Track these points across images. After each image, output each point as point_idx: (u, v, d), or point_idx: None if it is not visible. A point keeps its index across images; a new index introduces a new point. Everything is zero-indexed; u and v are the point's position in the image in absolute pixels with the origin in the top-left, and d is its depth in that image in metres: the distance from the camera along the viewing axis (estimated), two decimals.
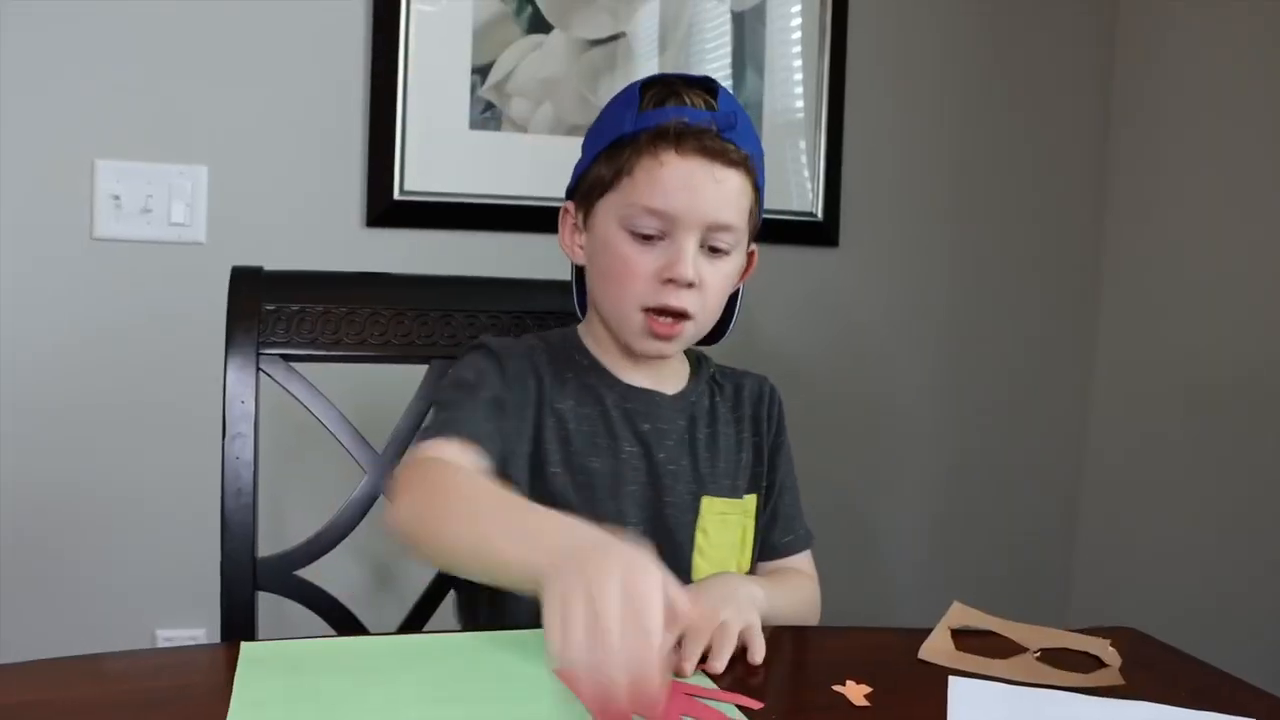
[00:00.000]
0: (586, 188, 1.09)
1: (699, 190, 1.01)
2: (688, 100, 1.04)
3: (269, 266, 1.20)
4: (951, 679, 0.90)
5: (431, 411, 1.05)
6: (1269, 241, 1.99)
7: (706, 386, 1.16)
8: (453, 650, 0.89)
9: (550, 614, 0.69)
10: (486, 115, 1.90)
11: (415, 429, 1.19)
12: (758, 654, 0.90)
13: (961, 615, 1.05)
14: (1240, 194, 2.05)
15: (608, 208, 1.06)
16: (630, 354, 1.10)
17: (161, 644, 1.87)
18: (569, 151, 1.14)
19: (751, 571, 1.15)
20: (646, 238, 1.03)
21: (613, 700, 0.65)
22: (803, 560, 1.19)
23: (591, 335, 1.13)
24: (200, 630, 1.89)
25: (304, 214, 1.85)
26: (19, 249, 1.73)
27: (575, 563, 0.71)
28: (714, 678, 0.86)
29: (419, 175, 1.87)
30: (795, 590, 1.12)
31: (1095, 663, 0.98)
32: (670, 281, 1.02)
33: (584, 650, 0.66)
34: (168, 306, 1.80)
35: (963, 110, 2.24)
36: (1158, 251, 2.23)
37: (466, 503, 0.87)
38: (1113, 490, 2.34)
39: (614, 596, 0.67)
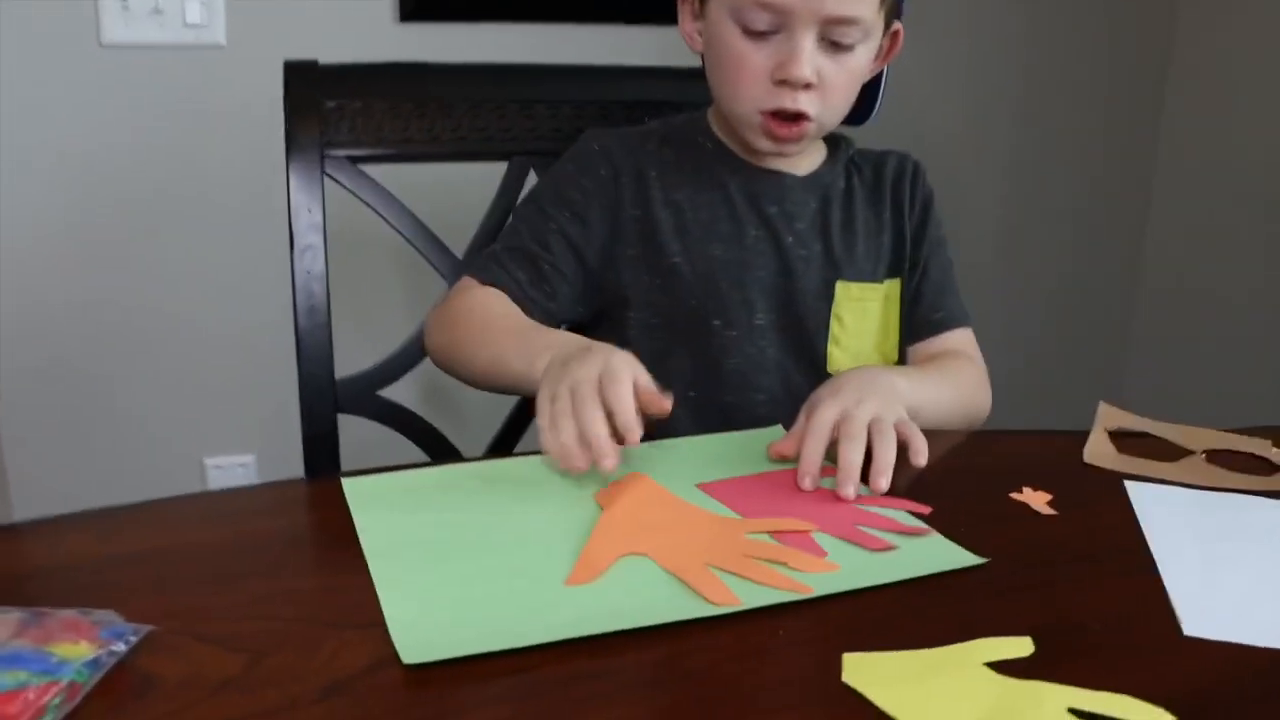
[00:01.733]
0: None
1: None
2: None
3: None
4: (1128, 484, 0.83)
5: (493, 245, 1.01)
6: None
7: (844, 168, 1.06)
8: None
9: (538, 407, 0.75)
10: None
11: (498, 231, 1.09)
12: (919, 453, 0.80)
13: (1113, 417, 0.97)
14: None
15: None
16: (749, 150, 1.01)
17: (211, 471, 1.81)
18: None
19: (901, 362, 1.06)
20: (759, 33, 0.92)
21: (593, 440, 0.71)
22: (960, 339, 1.07)
23: (718, 119, 1.04)
24: (249, 456, 1.84)
25: (331, 9, 1.69)
26: (21, 57, 1.58)
27: (560, 364, 0.77)
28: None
29: None
30: (952, 375, 1.00)
31: (1264, 464, 0.90)
32: (784, 83, 0.92)
33: (567, 423, 0.72)
34: (188, 116, 1.66)
35: None
36: (1232, 46, 2.08)
37: (484, 329, 0.92)
38: (1169, 294, 2.26)
39: (590, 370, 0.74)
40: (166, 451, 1.77)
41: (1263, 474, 0.88)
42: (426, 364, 1.09)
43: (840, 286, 1.02)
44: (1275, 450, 0.93)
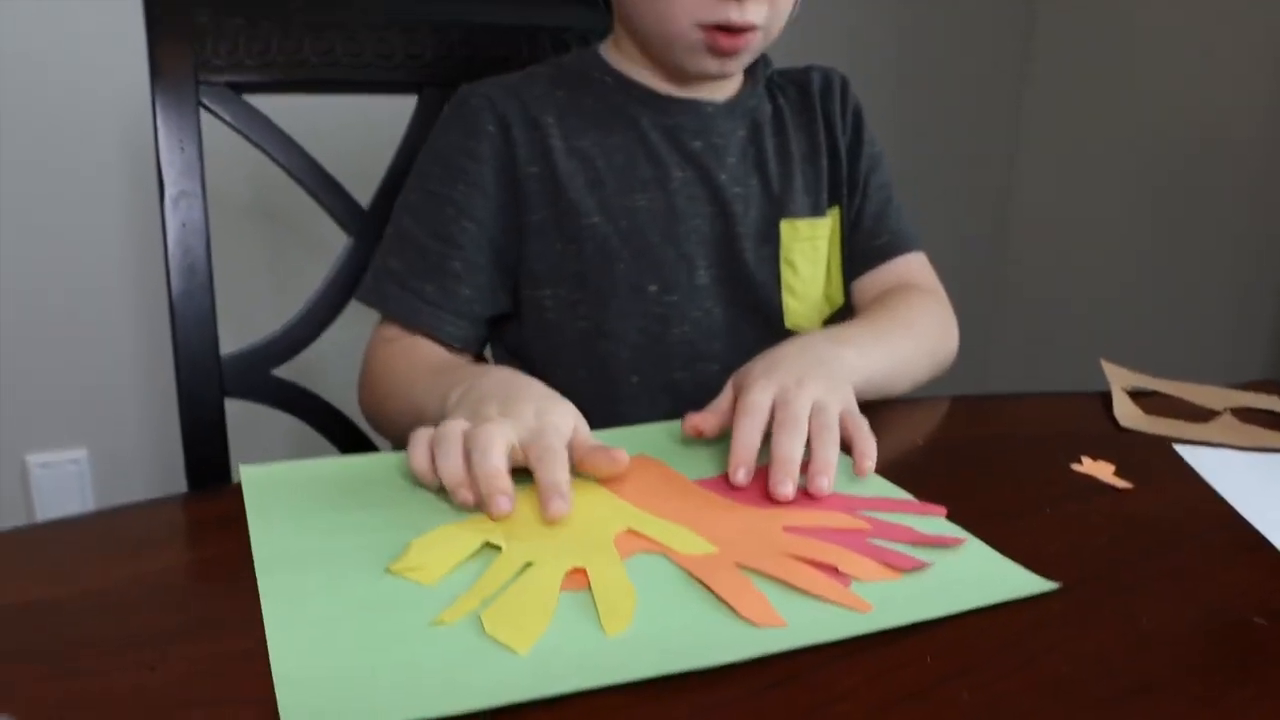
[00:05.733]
0: None
1: None
2: None
3: None
4: (1181, 449, 0.74)
5: (382, 256, 0.85)
6: None
7: (765, 90, 0.92)
8: None
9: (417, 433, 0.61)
10: None
11: (404, 175, 0.91)
12: (865, 456, 0.63)
13: (1122, 376, 0.89)
14: None
15: None
16: (680, 76, 0.87)
17: (36, 471, 1.56)
18: None
19: (847, 301, 0.93)
20: None
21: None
22: (911, 265, 0.94)
23: (619, 52, 0.89)
24: (80, 451, 1.59)
25: None
26: None
27: (477, 397, 0.65)
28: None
29: None
30: (908, 321, 0.86)
31: None
32: None
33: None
34: (31, 36, 1.40)
35: None
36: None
37: (403, 379, 0.80)
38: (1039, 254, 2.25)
39: (515, 406, 0.62)
40: None
41: None
42: (326, 340, 0.91)
43: (786, 226, 0.89)
44: None
